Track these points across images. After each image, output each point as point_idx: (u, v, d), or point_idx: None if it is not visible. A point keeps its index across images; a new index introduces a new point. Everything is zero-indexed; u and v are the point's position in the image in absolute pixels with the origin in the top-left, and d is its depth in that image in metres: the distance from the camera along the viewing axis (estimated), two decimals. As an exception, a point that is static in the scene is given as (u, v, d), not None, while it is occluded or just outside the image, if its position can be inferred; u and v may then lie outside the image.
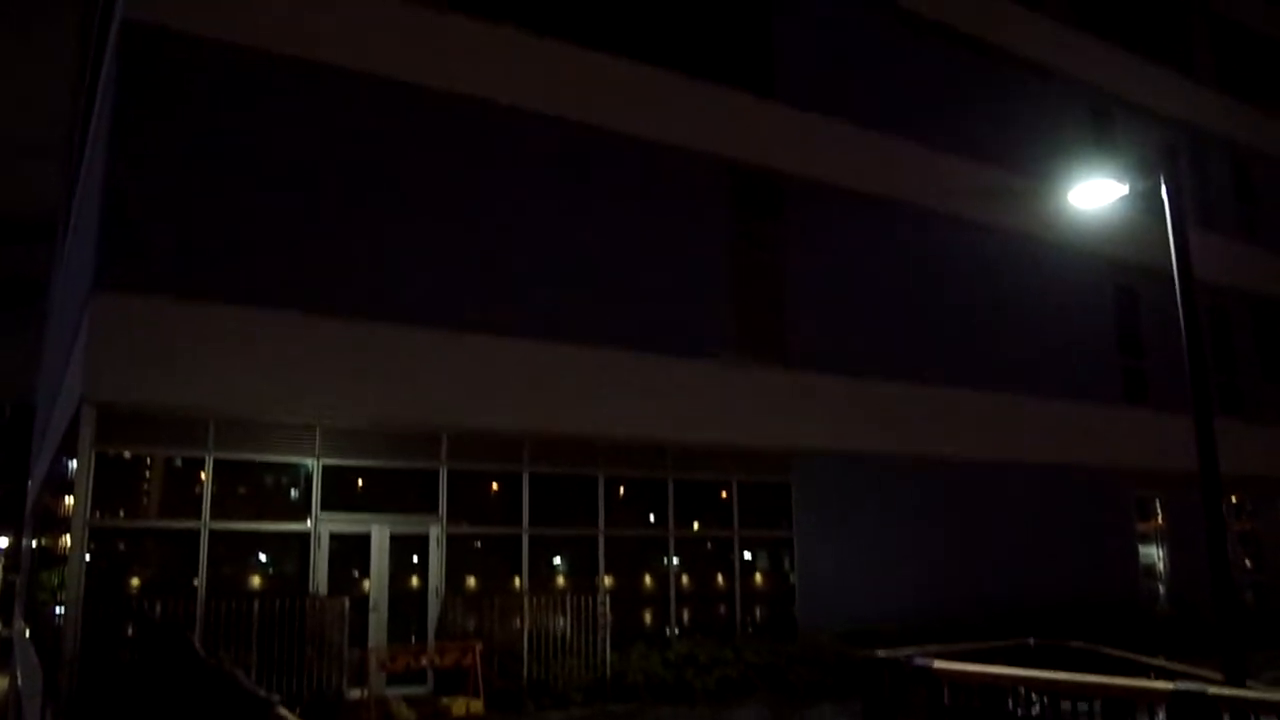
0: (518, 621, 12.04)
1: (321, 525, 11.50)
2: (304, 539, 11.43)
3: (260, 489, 11.67)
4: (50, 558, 16.07)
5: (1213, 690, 6.60)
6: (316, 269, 11.54)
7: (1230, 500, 20.56)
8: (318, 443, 11.58)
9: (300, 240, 11.53)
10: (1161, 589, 19.43)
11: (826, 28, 16.92)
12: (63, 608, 10.43)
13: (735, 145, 15.25)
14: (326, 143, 11.92)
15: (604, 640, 12.33)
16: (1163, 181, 9.61)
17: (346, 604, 11.14)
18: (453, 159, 12.77)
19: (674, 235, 14.43)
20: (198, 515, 10.87)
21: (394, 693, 11.13)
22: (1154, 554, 19.58)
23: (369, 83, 12.29)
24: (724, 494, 14.62)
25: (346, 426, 11.71)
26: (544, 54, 13.74)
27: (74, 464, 10.95)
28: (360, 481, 12.10)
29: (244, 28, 11.58)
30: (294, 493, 11.63)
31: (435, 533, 12.22)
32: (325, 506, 11.56)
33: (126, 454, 10.89)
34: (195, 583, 10.68)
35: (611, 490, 13.68)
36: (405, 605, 12.03)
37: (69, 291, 16.98)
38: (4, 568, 46.36)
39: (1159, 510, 19.77)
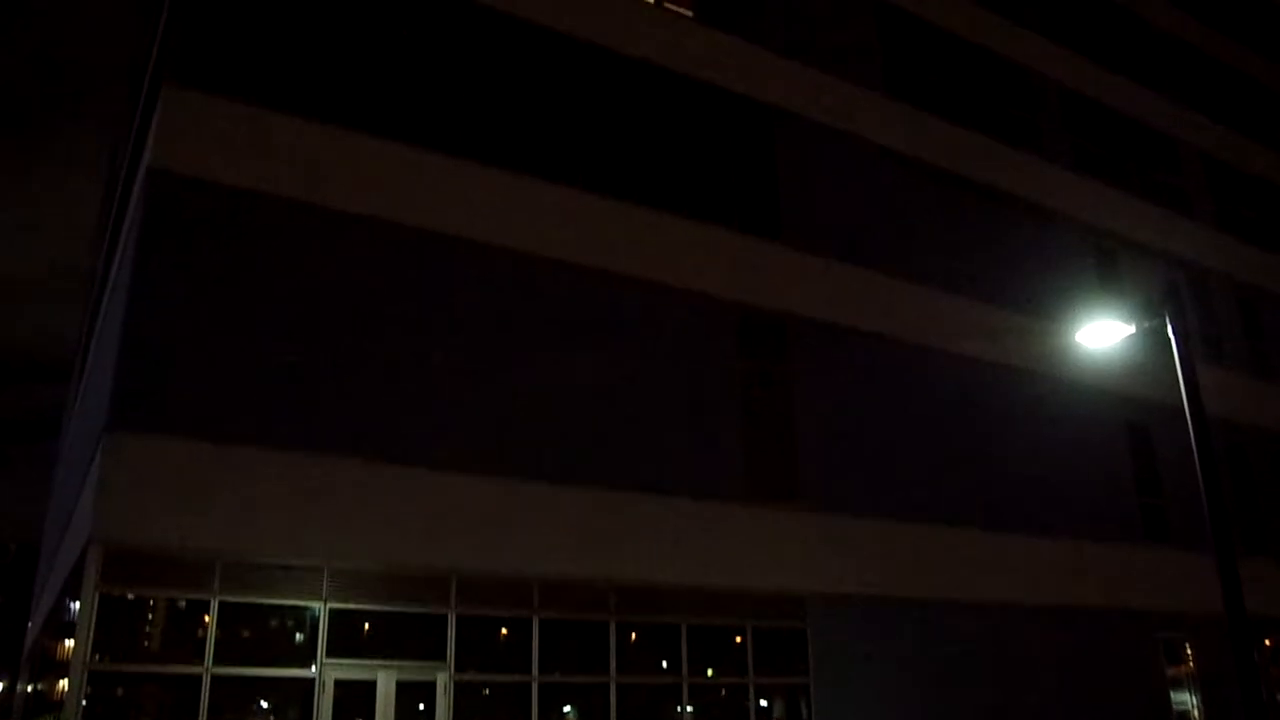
0: (526, 773, 11.58)
1: (327, 672, 11.20)
2: (308, 686, 11.12)
3: (265, 633, 11.42)
4: (45, 704, 15.64)
5: None
6: (328, 410, 11.59)
7: (1264, 644, 19.97)
8: (325, 585, 11.38)
9: (313, 381, 11.61)
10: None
11: (830, 171, 17.38)
12: (56, 758, 10.09)
13: (742, 288, 15.46)
14: (340, 286, 12.12)
15: (615, 794, 11.82)
16: (1168, 320, 9.68)
17: (349, 755, 10.75)
18: (464, 302, 12.96)
19: (681, 376, 14.49)
20: (201, 660, 10.62)
21: None
22: (1187, 700, 18.91)
23: (384, 229, 12.57)
24: (738, 639, 14.25)
25: (355, 569, 11.53)
26: (554, 199, 14.09)
27: (76, 605, 10.77)
28: (367, 626, 11.84)
29: (264, 176, 11.92)
30: (299, 637, 11.38)
31: (443, 680, 11.88)
32: (331, 652, 11.28)
33: (130, 595, 10.70)
34: (195, 731, 10.34)
35: (623, 636, 13.35)
36: (410, 756, 11.61)
37: (82, 431, 17.04)
38: (-3, 714, 45.12)
39: (1189, 654, 19.19)
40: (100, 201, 25.69)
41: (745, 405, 15.09)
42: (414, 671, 11.78)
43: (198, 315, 11.18)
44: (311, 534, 11.15)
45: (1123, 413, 19.65)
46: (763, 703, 14.33)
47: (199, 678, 10.52)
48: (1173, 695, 18.70)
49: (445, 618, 12.07)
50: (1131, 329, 10.25)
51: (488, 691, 12.41)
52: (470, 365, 12.74)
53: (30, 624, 28.96)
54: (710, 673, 13.97)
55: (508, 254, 13.38)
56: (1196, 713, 18.84)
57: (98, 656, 10.21)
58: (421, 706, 11.81)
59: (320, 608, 11.34)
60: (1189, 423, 9.26)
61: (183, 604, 10.97)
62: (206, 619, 10.78)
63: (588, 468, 13.13)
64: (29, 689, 22.56)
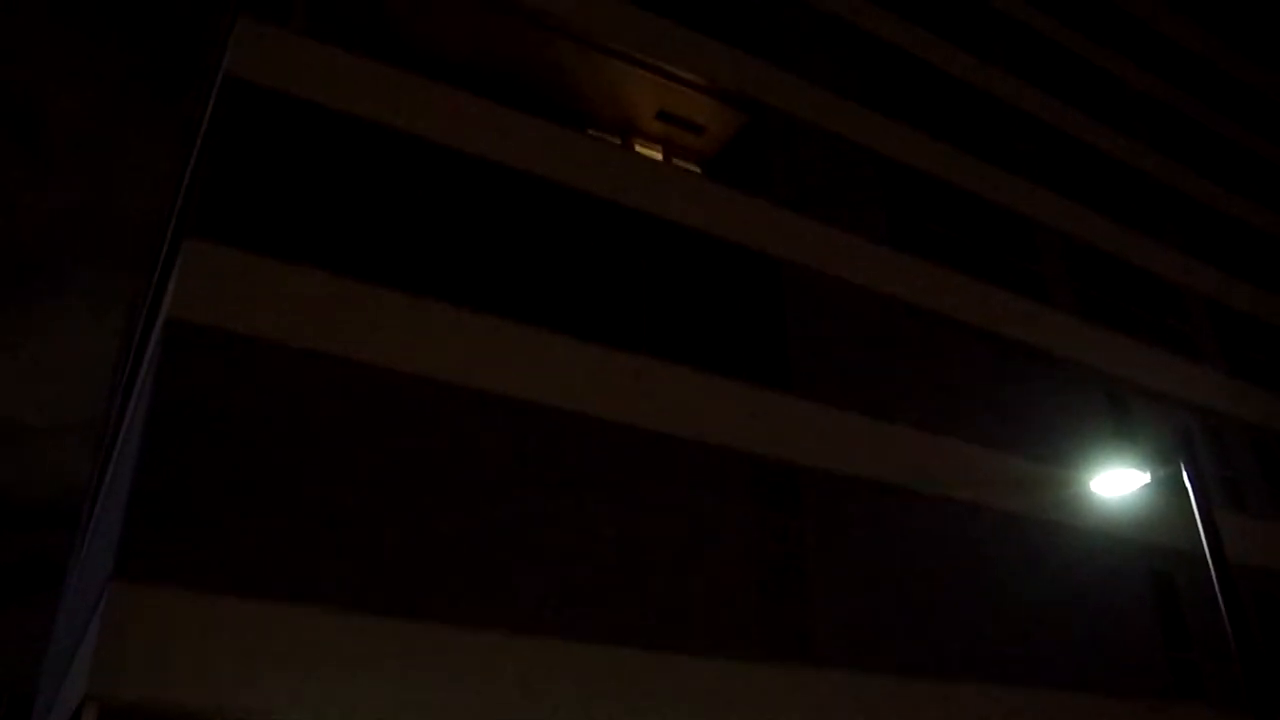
0: None
1: (323, 837, 10.69)
2: None
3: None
4: None
5: None
6: (345, 564, 11.42)
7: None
8: (325, 743, 10.99)
9: (327, 535, 11.49)
10: None
11: (839, 321, 17.55)
12: None
13: (753, 439, 15.41)
14: (359, 438, 12.12)
15: None
16: (1183, 467, 9.59)
17: None
18: (477, 454, 12.92)
19: (691, 529, 14.30)
20: (193, 825, 10.16)
21: None
22: None
23: (400, 380, 12.65)
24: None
25: (356, 725, 11.15)
26: (566, 353, 14.20)
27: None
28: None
29: (280, 326, 12.09)
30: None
31: (444, 845, 11.32)
32: (328, 815, 10.79)
33: (125, 756, 10.33)
34: None
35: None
36: None
37: (85, 579, 16.82)
38: None
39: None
40: (116, 351, 26.04)
41: (757, 557, 14.83)
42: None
43: (210, 466, 11.16)
44: (315, 689, 10.83)
45: (1146, 561, 19.25)
46: None
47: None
48: None
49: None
50: (1147, 477, 10.15)
51: None
52: (479, 517, 12.61)
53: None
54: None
55: (520, 406, 13.42)
56: None
57: (87, 821, 9.78)
58: None
59: (320, 768, 10.92)
60: (1212, 571, 9.06)
61: (178, 764, 10.57)
62: (201, 780, 10.36)
63: (593, 623, 12.84)
64: None
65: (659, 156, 19.17)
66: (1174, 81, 30.04)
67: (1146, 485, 10.60)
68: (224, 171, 12.70)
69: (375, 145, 13.93)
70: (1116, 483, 10.34)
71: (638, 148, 18.98)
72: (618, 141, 18.67)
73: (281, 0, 15.84)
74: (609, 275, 15.38)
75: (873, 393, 17.19)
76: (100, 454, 23.81)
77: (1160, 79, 29.45)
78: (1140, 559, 19.19)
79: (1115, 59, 28.32)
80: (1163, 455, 10.30)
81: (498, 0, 16.35)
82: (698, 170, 19.45)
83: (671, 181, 16.78)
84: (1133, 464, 10.25)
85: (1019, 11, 26.30)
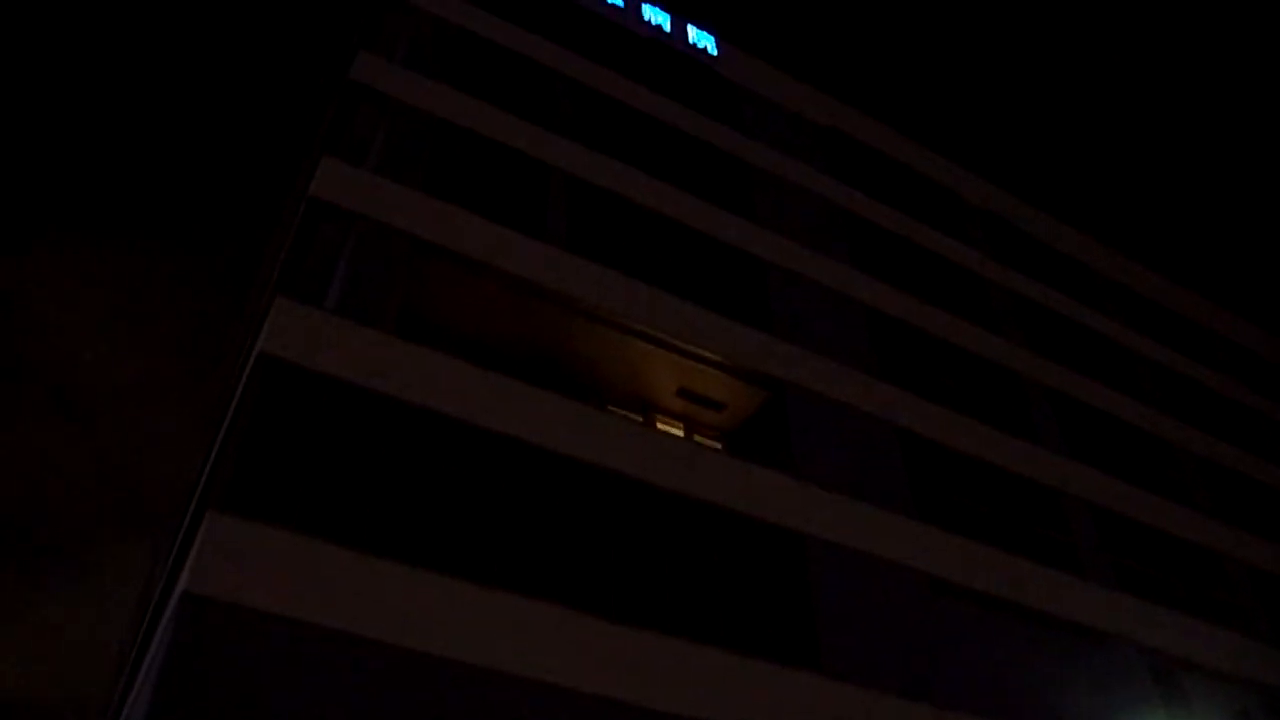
0: None
1: None
2: None
3: None
4: None
5: None
6: None
7: None
8: None
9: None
10: None
11: (867, 597, 17.03)
12: None
13: (783, 719, 14.63)
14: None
15: None
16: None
17: None
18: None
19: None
20: None
21: None
22: None
23: (420, 662, 12.18)
24: None
25: None
26: (591, 633, 13.69)
27: None
28: None
29: (298, 604, 11.80)
30: None
31: None
32: None
33: None
34: None
35: None
36: None
37: None
38: None
39: None
40: (128, 625, 25.52)
41: None
42: None
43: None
44: None
45: None
46: None
47: None
48: None
49: None
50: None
51: None
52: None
53: None
54: None
55: (546, 689, 12.82)
56: None
57: None
58: None
59: None
60: None
61: None
62: None
63: None
64: None
65: (680, 433, 19.41)
66: (1185, 351, 30.73)
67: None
68: (251, 444, 12.89)
69: (401, 422, 14.18)
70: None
71: (659, 424, 19.27)
72: (639, 418, 18.97)
73: (316, 282, 16.73)
74: (633, 553, 15.15)
75: (903, 672, 16.42)
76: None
77: (1172, 349, 30.13)
78: None
79: (1127, 333, 29.10)
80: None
81: (521, 283, 17.16)
82: (719, 446, 19.62)
83: (693, 458, 16.88)
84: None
85: (1030, 290, 27.35)
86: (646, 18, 25.18)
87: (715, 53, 25.98)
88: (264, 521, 12.15)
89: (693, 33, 25.97)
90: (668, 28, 25.52)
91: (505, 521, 14.24)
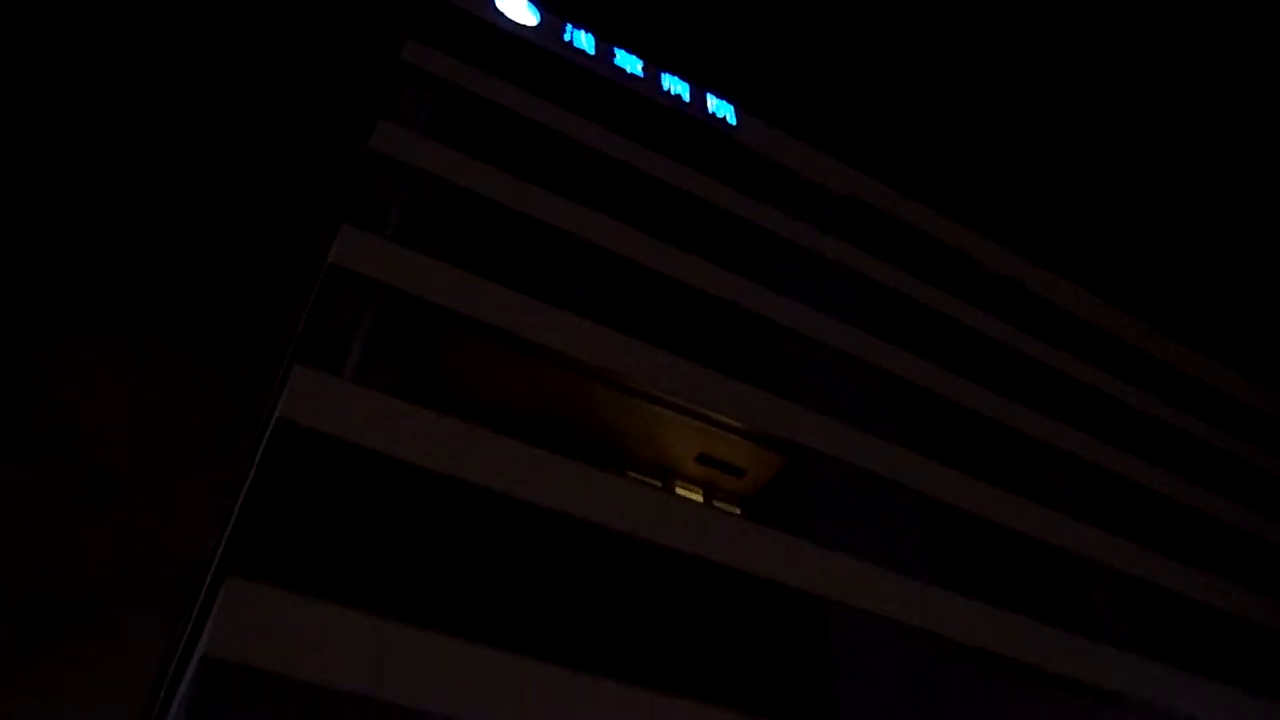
0: None
1: None
2: None
3: None
4: None
5: None
6: None
7: None
8: None
9: None
10: None
11: (886, 661, 16.84)
12: None
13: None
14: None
15: None
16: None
17: None
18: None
19: None
20: None
21: None
22: None
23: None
24: None
25: None
26: (612, 697, 13.63)
27: None
28: None
29: (320, 669, 11.75)
30: None
31: None
32: None
33: None
34: None
35: None
36: None
37: None
38: None
39: None
40: (146, 693, 25.48)
41: None
42: None
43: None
44: None
45: None
46: None
47: None
48: None
49: None
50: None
51: None
52: None
53: None
54: None
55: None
56: None
57: None
58: None
59: None
60: None
61: None
62: None
63: None
64: None
65: (699, 498, 19.39)
66: (1203, 416, 30.49)
67: None
68: (269, 510, 13.01)
69: (419, 488, 14.27)
70: None
71: (678, 489, 19.26)
72: (658, 484, 18.98)
73: (335, 350, 16.93)
74: (653, 616, 15.11)
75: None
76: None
77: (1194, 415, 29.91)
78: None
79: (1151, 400, 28.95)
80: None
81: (540, 350, 17.31)
82: (738, 511, 19.57)
83: (711, 523, 16.84)
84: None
85: (1049, 356, 27.31)
86: (666, 87, 25.64)
87: (734, 122, 26.38)
88: (282, 586, 12.21)
89: (712, 102, 26.41)
90: (687, 97, 25.97)
91: (524, 585, 14.25)
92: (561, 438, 18.21)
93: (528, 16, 24.32)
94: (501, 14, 23.78)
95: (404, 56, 21.06)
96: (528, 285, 18.18)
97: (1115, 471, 25.20)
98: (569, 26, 24.94)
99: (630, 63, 25.44)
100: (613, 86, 24.52)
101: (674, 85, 25.94)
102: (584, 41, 24.93)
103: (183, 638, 18.41)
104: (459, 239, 18.40)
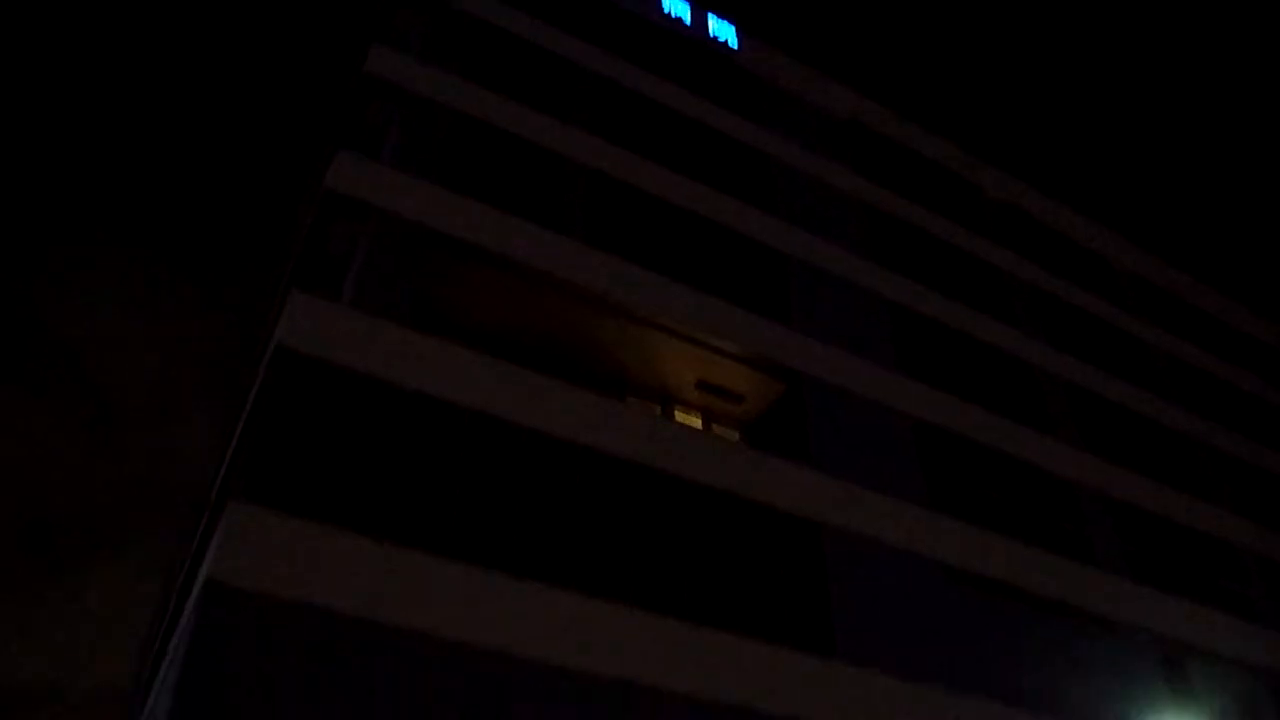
0: None
1: None
2: None
3: None
4: None
5: None
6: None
7: None
8: None
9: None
10: None
11: (884, 586, 17.11)
12: None
13: (798, 707, 14.69)
14: (404, 709, 11.70)
15: None
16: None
17: None
18: None
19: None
20: None
21: None
22: None
23: (444, 647, 12.26)
24: None
25: None
26: (608, 618, 13.85)
27: None
28: None
29: (320, 591, 11.91)
30: None
31: None
32: None
33: None
34: None
35: None
36: None
37: None
38: None
39: None
40: (151, 616, 25.88)
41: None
42: None
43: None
44: None
45: None
46: None
47: None
48: None
49: None
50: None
51: None
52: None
53: None
54: None
55: (567, 673, 12.95)
56: None
57: None
58: None
59: None
60: None
61: None
62: None
63: None
64: None
65: (699, 424, 19.47)
66: (1201, 344, 30.52)
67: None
68: (270, 436, 13.07)
69: (418, 413, 14.33)
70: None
71: (678, 415, 19.34)
72: (658, 409, 19.05)
73: (332, 275, 16.86)
74: (651, 541, 15.28)
75: (919, 658, 16.49)
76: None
77: (1192, 343, 29.94)
78: None
79: (1149, 328, 28.94)
80: (1227, 717, 9.68)
81: (539, 275, 17.24)
82: (737, 436, 19.68)
83: (710, 448, 16.95)
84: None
85: (1049, 283, 27.22)
86: (666, 9, 25.17)
87: (735, 44, 25.94)
88: (284, 511, 12.32)
89: (713, 24, 25.94)
90: (688, 19, 25.51)
91: (524, 510, 14.39)
92: (561, 364, 18.22)
93: (525, -63, 23.77)
94: (498, -65, 23.23)
95: (399, -23, 20.65)
96: (526, 210, 18.04)
97: (1113, 399, 25.29)
98: (567, -53, 24.40)
99: (630, -17, 24.95)
100: (612, 7, 24.07)
101: (674, 7, 25.45)
102: (583, -38, 24.40)
103: (187, 561, 18.65)
104: (456, 164, 18.24)
